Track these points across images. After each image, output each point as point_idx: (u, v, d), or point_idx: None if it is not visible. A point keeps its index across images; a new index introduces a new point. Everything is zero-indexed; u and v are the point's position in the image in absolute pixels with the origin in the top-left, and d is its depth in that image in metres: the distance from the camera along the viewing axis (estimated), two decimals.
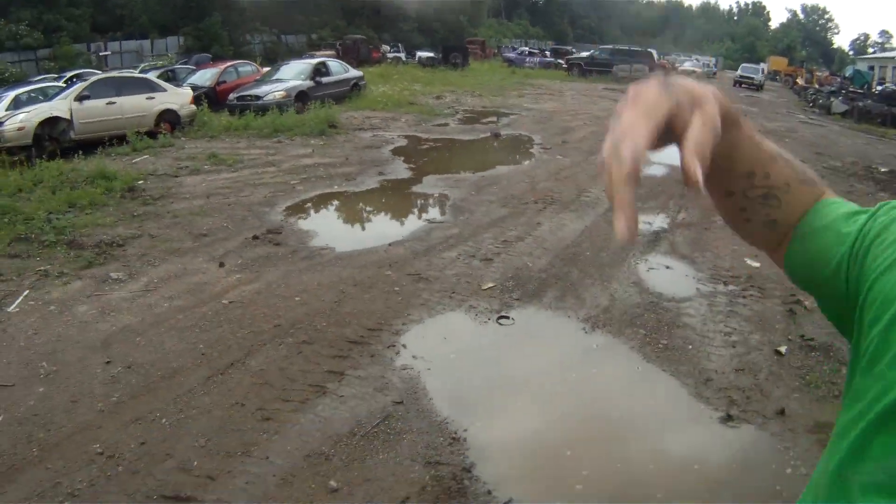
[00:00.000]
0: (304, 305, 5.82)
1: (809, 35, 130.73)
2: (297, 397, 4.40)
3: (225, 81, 20.17)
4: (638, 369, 5.20)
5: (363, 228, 8.77)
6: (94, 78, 15.81)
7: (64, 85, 16.68)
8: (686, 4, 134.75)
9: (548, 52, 59.70)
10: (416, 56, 44.13)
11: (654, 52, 45.55)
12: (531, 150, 14.05)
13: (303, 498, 3.52)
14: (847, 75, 50.84)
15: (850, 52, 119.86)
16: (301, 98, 17.58)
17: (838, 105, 34.06)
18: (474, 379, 4.89)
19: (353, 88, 20.77)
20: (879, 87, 44.09)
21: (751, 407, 4.71)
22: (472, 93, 24.13)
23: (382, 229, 8.37)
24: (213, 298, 5.96)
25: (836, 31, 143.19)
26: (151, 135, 13.58)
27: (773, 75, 72.72)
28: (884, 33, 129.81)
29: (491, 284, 6.50)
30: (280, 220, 8.51)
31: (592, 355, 5.43)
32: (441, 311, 5.86)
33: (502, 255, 7.36)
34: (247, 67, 22.58)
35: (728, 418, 4.55)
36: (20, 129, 12.68)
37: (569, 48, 63.95)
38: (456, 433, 4.12)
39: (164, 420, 4.14)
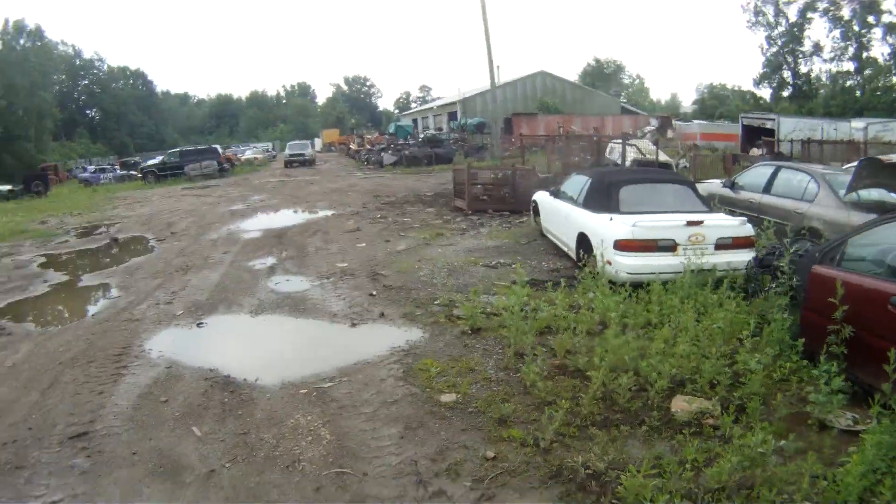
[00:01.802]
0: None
1: (356, 104, 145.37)
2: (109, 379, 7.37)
3: None
4: (296, 320, 9.09)
5: (64, 314, 11.12)
6: None
7: None
8: (235, 97, 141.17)
9: (116, 167, 61.10)
10: None
11: (219, 148, 49.77)
12: (151, 244, 17.01)
13: None
14: (391, 132, 59.37)
15: (395, 111, 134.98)
16: None
17: (388, 158, 41.43)
18: (203, 346, 8.29)
19: None
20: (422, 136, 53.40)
21: (364, 318, 8.94)
22: (70, 213, 25.85)
23: (81, 308, 10.95)
24: None
25: (379, 94, 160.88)
26: None
27: (328, 147, 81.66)
28: (424, 87, 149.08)
29: (180, 312, 9.85)
30: None
31: (263, 321, 9.22)
32: (162, 330, 9.06)
33: (177, 299, 10.69)
34: None
35: (354, 325, 8.65)
36: None
37: (135, 159, 65.89)
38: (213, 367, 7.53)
39: None
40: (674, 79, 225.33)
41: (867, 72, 68.82)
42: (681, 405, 5.56)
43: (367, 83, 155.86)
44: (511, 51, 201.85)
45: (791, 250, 7.28)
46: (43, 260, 15.37)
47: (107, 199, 31.88)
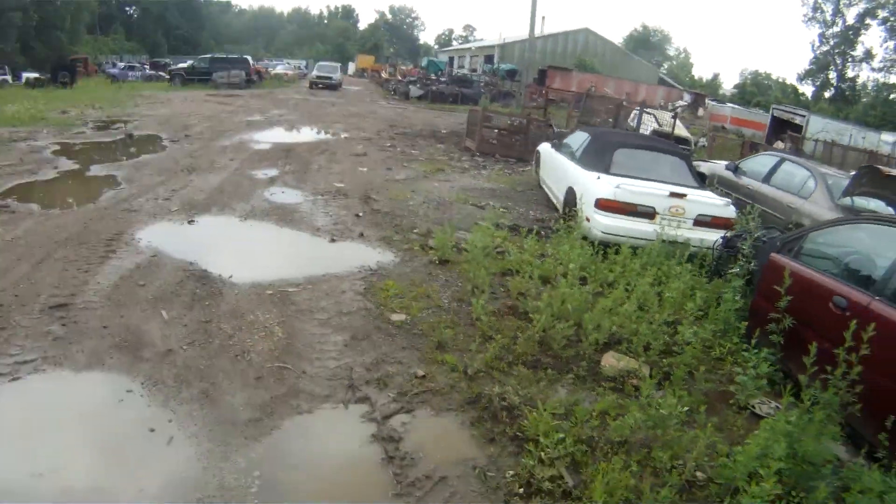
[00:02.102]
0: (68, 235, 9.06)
1: (397, 33, 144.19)
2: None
3: None
4: (280, 229, 9.56)
5: (67, 198, 11.61)
6: None
7: None
8: (278, 11, 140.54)
9: (146, 66, 61.27)
10: (23, 77, 43.53)
11: (250, 59, 49.75)
12: (164, 143, 17.46)
13: None
14: (423, 66, 59.17)
15: (436, 47, 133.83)
16: None
17: (415, 91, 41.57)
18: (189, 241, 8.76)
19: None
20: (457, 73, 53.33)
21: (344, 236, 9.39)
22: (92, 106, 26.27)
23: (84, 195, 11.45)
24: None
25: (422, 28, 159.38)
26: None
27: (361, 73, 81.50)
28: (467, 27, 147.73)
29: (176, 208, 10.32)
30: None
31: (250, 226, 9.74)
32: (155, 223, 9.53)
33: (175, 196, 11.16)
34: None
35: (333, 241, 9.10)
36: None
37: (166, 60, 65.99)
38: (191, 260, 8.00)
39: None
40: (719, 59, 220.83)
41: None
42: (610, 361, 5.95)
43: (412, 15, 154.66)
44: (561, 3, 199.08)
45: (755, 235, 7.54)
46: (57, 148, 15.82)
47: (130, 97, 32.25)
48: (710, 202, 9.62)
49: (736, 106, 56.94)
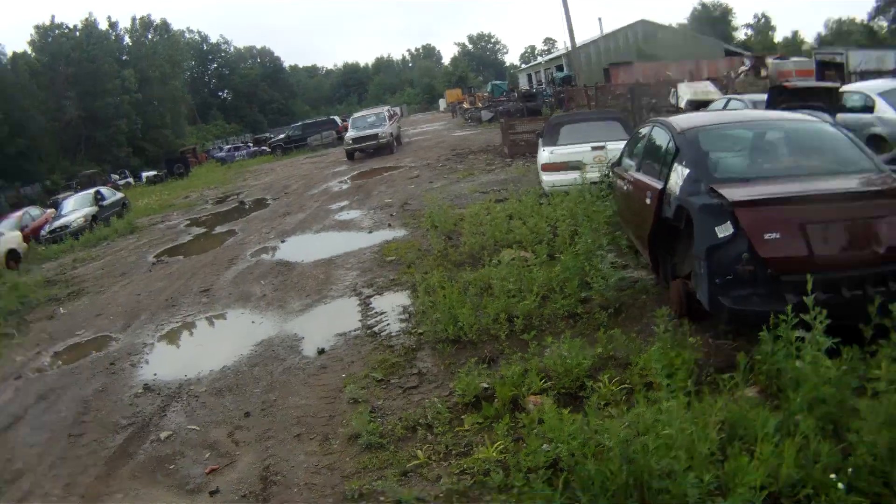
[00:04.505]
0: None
1: (482, 61, 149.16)
2: None
3: (26, 225, 26.66)
4: (339, 233, 14.82)
5: (201, 248, 17.17)
6: None
7: None
8: (362, 65, 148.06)
9: (250, 144, 68.77)
10: (143, 177, 51.55)
11: (337, 119, 55.73)
12: (267, 202, 23.28)
13: None
14: (488, 91, 63.55)
15: (522, 65, 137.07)
16: (94, 220, 25.00)
17: (486, 115, 46.33)
18: (279, 251, 14.01)
19: (123, 206, 28.57)
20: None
21: (378, 228, 14.51)
22: (207, 187, 32.90)
23: (212, 244, 16.96)
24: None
25: (504, 50, 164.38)
26: None
27: (451, 107, 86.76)
28: (548, 40, 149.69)
29: (273, 236, 15.67)
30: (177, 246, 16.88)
31: (320, 236, 14.97)
32: (259, 245, 14.89)
33: (273, 230, 16.58)
34: (33, 211, 29.31)
35: (370, 232, 14.22)
36: None
37: (267, 134, 73.38)
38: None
39: None
40: (802, 14, 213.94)
41: None
42: (508, 252, 10.49)
43: (492, 40, 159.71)
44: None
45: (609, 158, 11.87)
46: (188, 222, 21.94)
47: (239, 174, 39.11)
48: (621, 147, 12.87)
49: (798, 58, 58.56)
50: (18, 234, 22.56)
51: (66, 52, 63.56)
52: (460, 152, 27.87)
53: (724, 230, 5.42)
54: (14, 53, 63.28)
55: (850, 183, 5.88)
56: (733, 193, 5.51)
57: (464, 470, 4.62)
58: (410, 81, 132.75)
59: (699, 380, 5.02)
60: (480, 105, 58.25)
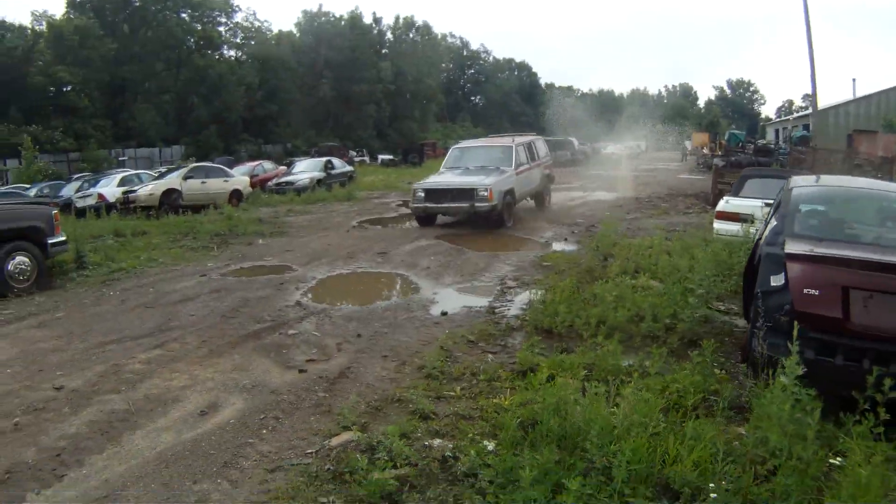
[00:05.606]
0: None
1: (737, 108, 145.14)
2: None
3: (256, 175, 30.33)
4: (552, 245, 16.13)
5: (398, 223, 19.14)
6: (192, 165, 26.17)
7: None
8: (617, 94, 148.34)
9: None
10: (379, 158, 55.63)
11: (575, 141, 57.10)
12: None
13: None
14: (725, 139, 62.58)
15: (774, 119, 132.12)
16: (319, 184, 28.14)
17: (718, 162, 45.84)
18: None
19: (349, 178, 31.55)
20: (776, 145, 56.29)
21: (557, 242, 15.51)
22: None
23: (410, 220, 18.92)
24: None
25: (762, 101, 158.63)
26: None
27: (695, 150, 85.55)
28: (807, 97, 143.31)
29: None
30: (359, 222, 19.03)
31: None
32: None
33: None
34: (267, 165, 33.10)
35: (547, 243, 15.34)
36: (150, 194, 22.58)
37: None
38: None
39: None
40: None
41: None
42: (643, 277, 11.43)
43: (751, 88, 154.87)
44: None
45: None
46: (399, 202, 24.35)
47: None
48: None
49: None
50: (247, 179, 26.46)
51: (328, 38, 70.43)
52: (673, 193, 28.43)
53: (778, 280, 5.82)
54: (280, 31, 71.21)
55: None
56: (793, 247, 5.86)
57: (481, 407, 5.84)
58: (661, 118, 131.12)
59: (695, 404, 5.63)
60: (719, 152, 57.63)
